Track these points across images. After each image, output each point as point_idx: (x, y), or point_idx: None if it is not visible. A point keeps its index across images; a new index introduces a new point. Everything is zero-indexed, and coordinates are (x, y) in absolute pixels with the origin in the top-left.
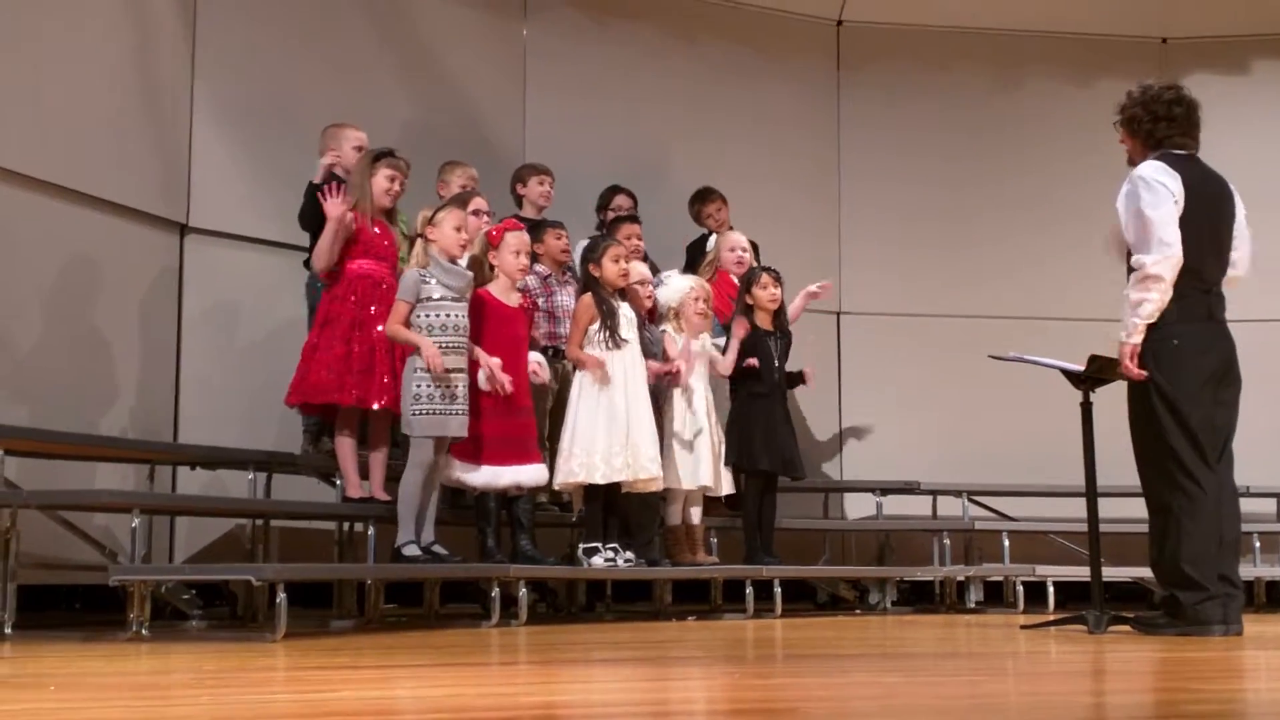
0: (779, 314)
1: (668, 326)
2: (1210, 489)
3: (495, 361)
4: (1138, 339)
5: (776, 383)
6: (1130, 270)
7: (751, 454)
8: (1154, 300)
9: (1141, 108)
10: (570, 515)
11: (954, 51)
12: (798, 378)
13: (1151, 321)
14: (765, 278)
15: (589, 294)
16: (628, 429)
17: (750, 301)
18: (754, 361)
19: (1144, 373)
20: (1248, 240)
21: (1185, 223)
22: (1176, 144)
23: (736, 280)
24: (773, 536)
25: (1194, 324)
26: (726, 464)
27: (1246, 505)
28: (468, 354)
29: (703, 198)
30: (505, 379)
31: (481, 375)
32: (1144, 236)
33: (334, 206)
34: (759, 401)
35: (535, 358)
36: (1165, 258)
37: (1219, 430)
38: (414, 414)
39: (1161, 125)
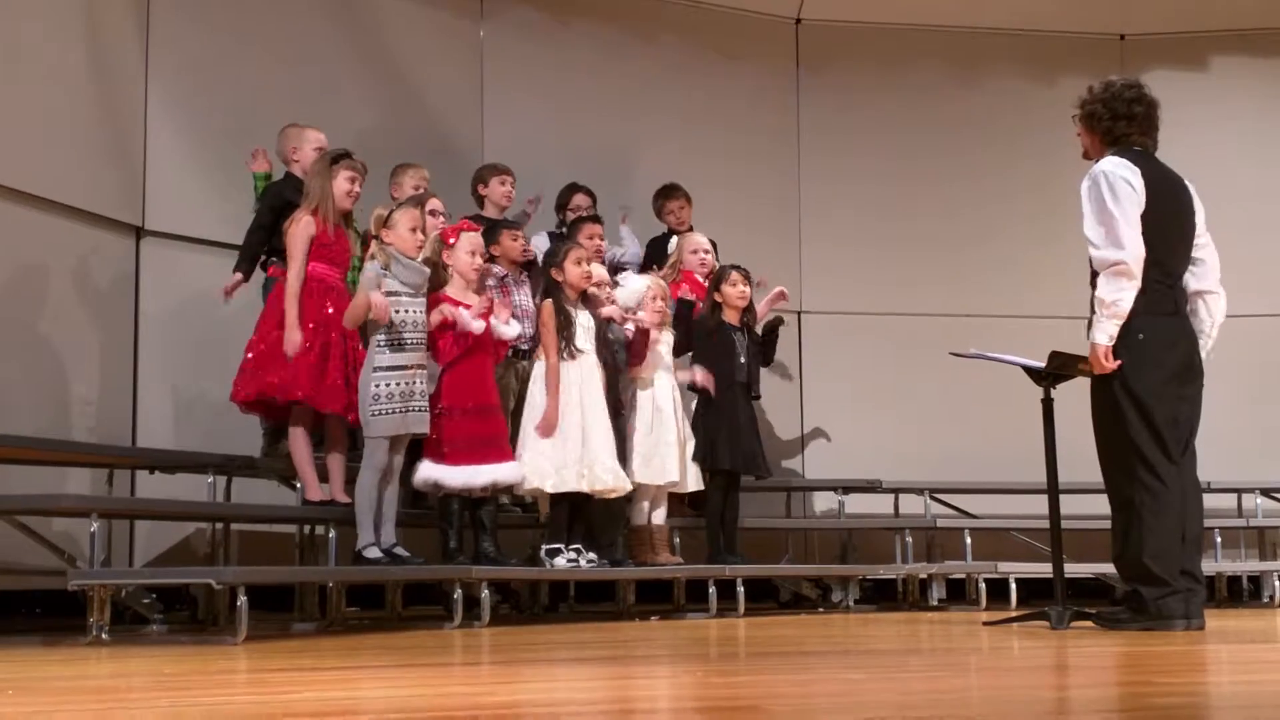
0: (747, 312)
1: (628, 325)
2: (1173, 484)
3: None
4: (1112, 332)
5: (742, 381)
6: (1093, 271)
7: (715, 453)
8: (1127, 297)
9: (1102, 104)
10: (535, 515)
11: (913, 49)
12: (774, 326)
13: (1123, 318)
14: (735, 275)
15: (549, 301)
16: (583, 442)
17: (719, 299)
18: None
19: (1117, 363)
20: (1214, 250)
21: (1147, 217)
22: (1135, 142)
23: (702, 279)
24: (736, 536)
25: (1160, 317)
26: (694, 460)
27: (1208, 501)
28: (425, 347)
29: (666, 194)
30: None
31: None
32: (1110, 234)
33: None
34: (723, 399)
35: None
36: (1132, 253)
37: (1182, 425)
38: (373, 414)
39: (1121, 123)
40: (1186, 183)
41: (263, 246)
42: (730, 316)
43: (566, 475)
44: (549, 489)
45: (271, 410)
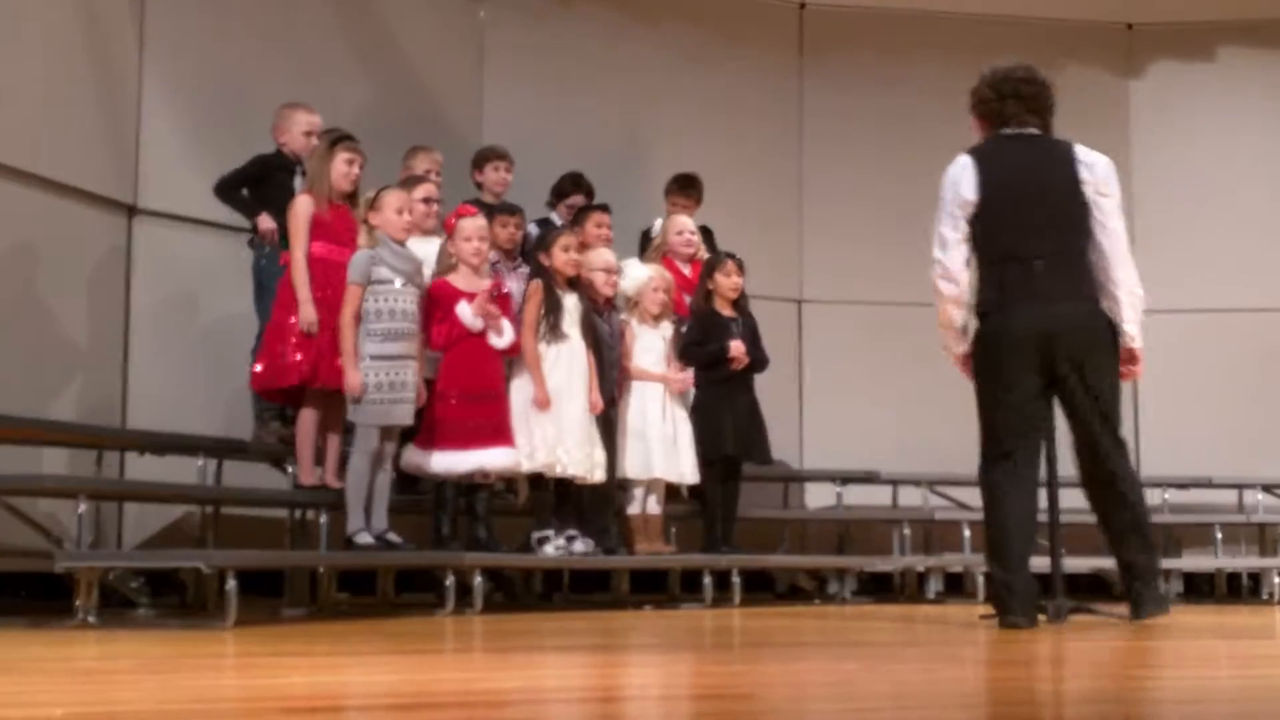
0: (740, 300)
1: (627, 316)
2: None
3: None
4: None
5: (739, 370)
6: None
7: (713, 440)
8: (942, 307)
9: (990, 88)
10: (526, 502)
11: (918, 36)
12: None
13: (949, 328)
14: (729, 264)
15: (537, 281)
16: (559, 426)
17: (711, 287)
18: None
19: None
20: (1114, 236)
21: (987, 210)
22: (1025, 122)
23: (681, 265)
24: (734, 527)
25: (1008, 306)
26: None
27: (1208, 496)
28: (417, 340)
29: (681, 186)
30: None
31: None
32: (938, 234)
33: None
34: (721, 388)
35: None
36: (941, 268)
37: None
38: (360, 403)
39: (1010, 104)
40: (1073, 160)
41: (242, 196)
42: (722, 305)
43: (538, 458)
44: (524, 469)
45: (290, 393)
